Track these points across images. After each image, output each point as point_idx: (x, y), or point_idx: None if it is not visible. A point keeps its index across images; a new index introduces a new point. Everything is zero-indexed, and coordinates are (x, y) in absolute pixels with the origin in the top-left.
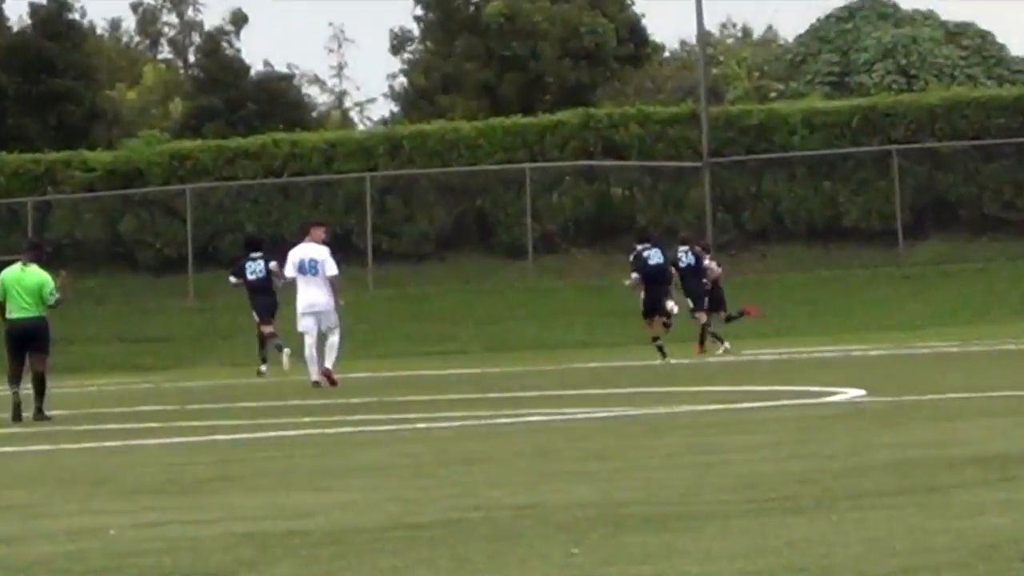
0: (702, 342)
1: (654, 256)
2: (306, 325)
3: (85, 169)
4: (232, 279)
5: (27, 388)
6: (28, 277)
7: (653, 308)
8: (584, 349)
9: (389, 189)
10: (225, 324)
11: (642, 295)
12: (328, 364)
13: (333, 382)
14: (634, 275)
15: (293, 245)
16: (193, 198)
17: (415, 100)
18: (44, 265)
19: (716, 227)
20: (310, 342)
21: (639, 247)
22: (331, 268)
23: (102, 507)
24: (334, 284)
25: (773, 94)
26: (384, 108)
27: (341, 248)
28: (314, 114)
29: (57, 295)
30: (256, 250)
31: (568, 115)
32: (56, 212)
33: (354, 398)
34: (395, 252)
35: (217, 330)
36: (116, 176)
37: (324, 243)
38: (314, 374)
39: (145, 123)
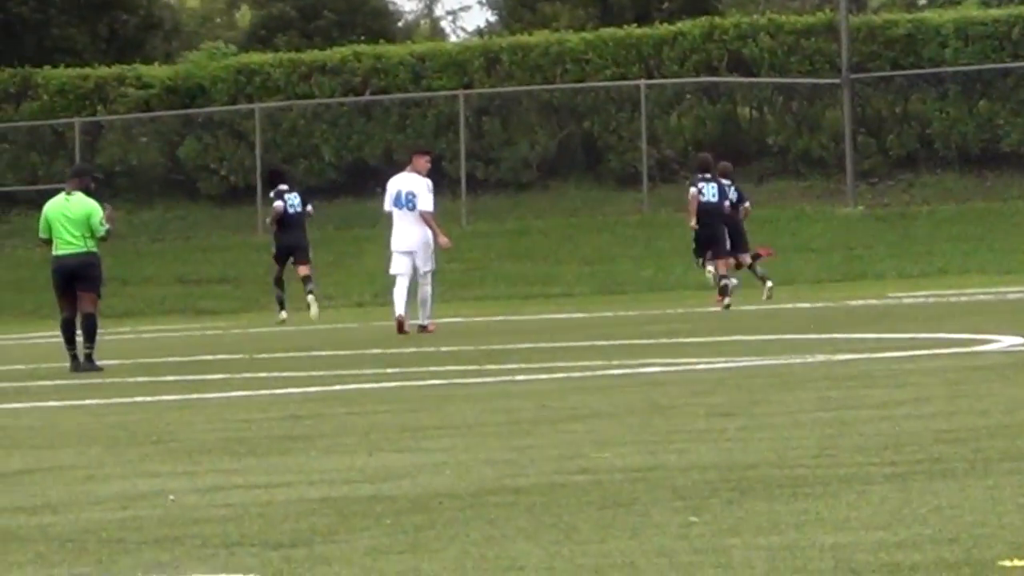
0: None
1: (708, 191)
2: (399, 266)
3: (140, 86)
4: (279, 204)
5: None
6: (74, 207)
7: (708, 248)
8: (706, 291)
9: (485, 109)
10: None
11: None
12: (422, 320)
13: (428, 331)
14: (692, 190)
15: (375, 172)
16: (262, 119)
17: (515, 8)
18: (92, 194)
19: (857, 152)
20: (402, 283)
21: (697, 176)
22: (424, 203)
23: (160, 469)
24: (426, 220)
25: (923, 1)
26: (480, 17)
27: (431, 176)
28: (400, 24)
29: (107, 225)
30: (282, 182)
31: (689, 25)
32: (107, 135)
33: (445, 347)
34: (492, 181)
35: (289, 269)
36: (175, 94)
37: (429, 175)
38: (400, 308)
39: (208, 34)
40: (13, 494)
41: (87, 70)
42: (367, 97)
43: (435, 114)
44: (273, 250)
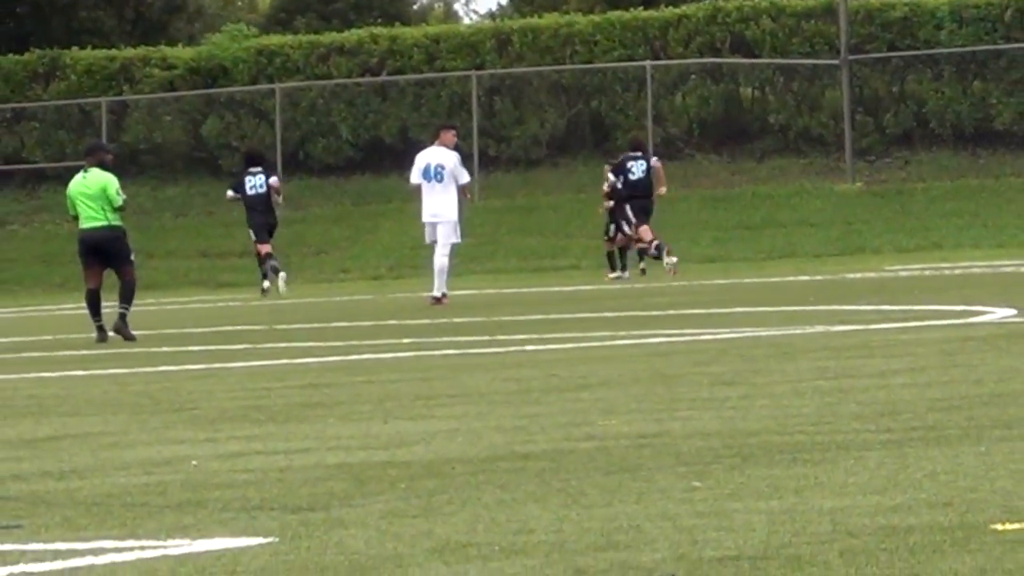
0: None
1: (637, 169)
2: (432, 235)
3: (164, 66)
4: (230, 193)
5: (108, 307)
6: (90, 183)
7: (640, 215)
8: (710, 264)
9: (497, 89)
10: (317, 237)
11: (626, 208)
12: (436, 292)
13: (439, 302)
14: (610, 176)
15: (391, 150)
16: (282, 98)
17: None
18: (110, 168)
19: (855, 130)
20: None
21: (627, 155)
22: (462, 176)
23: (182, 436)
24: (465, 193)
25: None
26: (491, 0)
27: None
28: (415, 7)
29: (124, 196)
30: (256, 165)
31: (693, 8)
32: (132, 113)
33: (458, 318)
34: (503, 158)
35: (308, 243)
36: (198, 74)
37: (455, 148)
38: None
39: (230, 16)
40: (42, 460)
41: (113, 51)
42: (383, 78)
43: (448, 94)
44: (251, 234)
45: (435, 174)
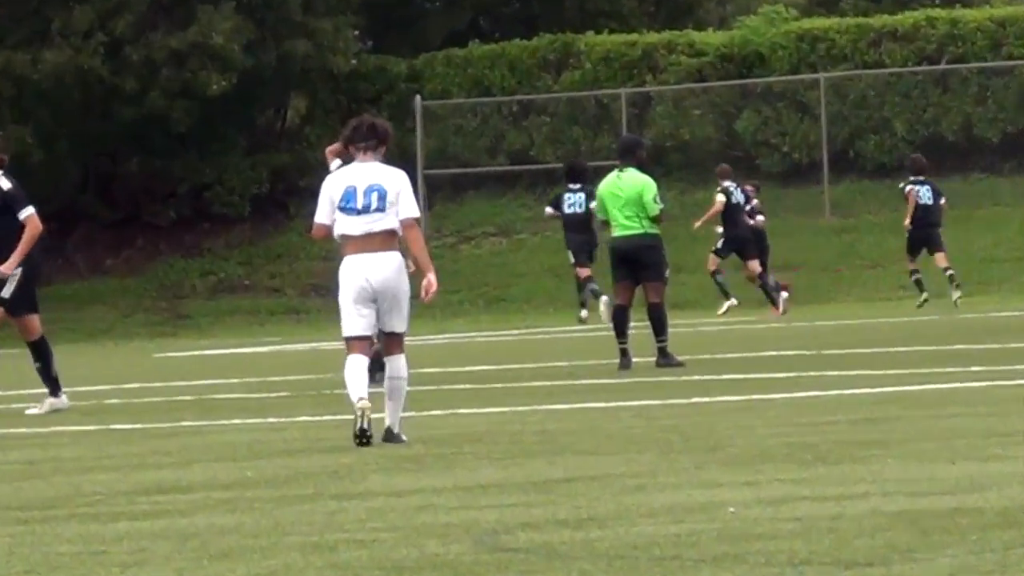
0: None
1: (924, 193)
2: None
3: (692, 53)
4: (548, 210)
5: (637, 327)
6: (624, 186)
7: (919, 246)
8: None
9: None
10: (870, 248)
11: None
12: None
13: None
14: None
15: (953, 147)
16: (828, 89)
17: None
18: (646, 168)
19: None
20: None
21: (912, 178)
22: None
23: (717, 478)
24: None
25: None
26: None
27: (1014, 155)
28: None
29: (663, 203)
30: (576, 181)
31: None
32: (656, 107)
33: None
34: None
35: (860, 255)
36: (730, 62)
37: None
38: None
39: None
40: (556, 505)
41: (634, 36)
42: (943, 66)
43: (1017, 85)
44: (570, 256)
45: None
